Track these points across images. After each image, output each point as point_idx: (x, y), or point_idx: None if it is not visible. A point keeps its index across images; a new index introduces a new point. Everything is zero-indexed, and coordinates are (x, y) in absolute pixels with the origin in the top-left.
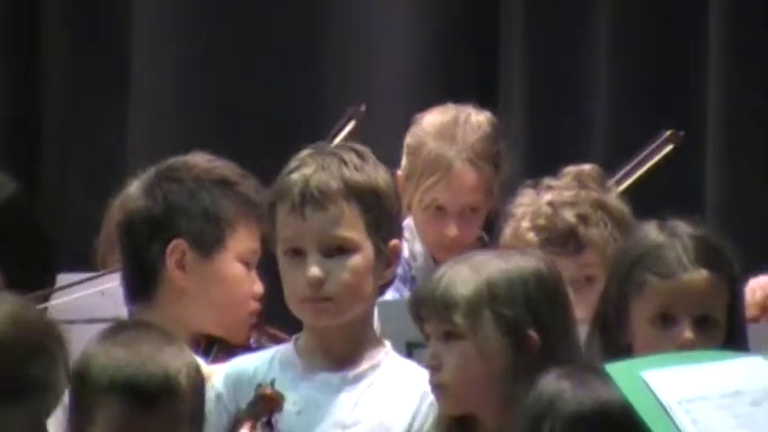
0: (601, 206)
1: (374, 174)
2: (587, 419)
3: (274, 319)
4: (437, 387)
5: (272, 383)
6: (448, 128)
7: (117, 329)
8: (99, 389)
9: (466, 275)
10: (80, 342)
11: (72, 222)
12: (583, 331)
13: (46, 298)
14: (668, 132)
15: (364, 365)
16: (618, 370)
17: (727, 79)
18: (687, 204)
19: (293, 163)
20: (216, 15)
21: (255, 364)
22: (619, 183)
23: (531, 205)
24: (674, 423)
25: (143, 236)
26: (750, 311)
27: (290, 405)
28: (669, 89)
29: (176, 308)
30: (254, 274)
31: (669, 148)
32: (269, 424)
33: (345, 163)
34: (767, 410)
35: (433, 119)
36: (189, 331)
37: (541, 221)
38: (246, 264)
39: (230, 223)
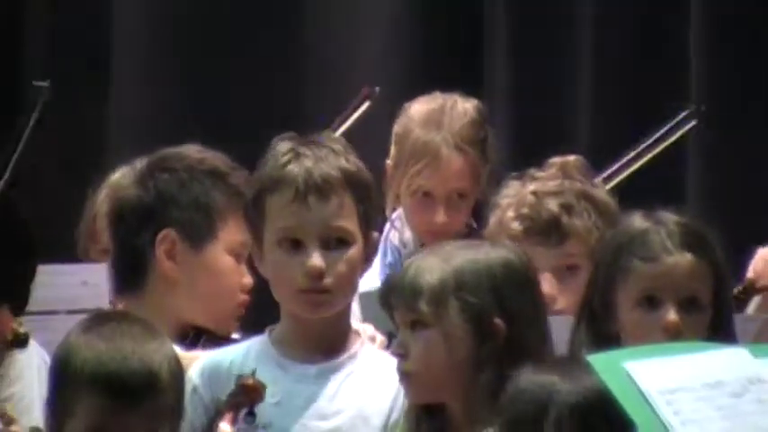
0: (585, 196)
1: (360, 164)
2: (591, 405)
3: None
4: (404, 375)
5: (254, 373)
6: (434, 115)
7: (98, 320)
8: (80, 382)
9: (433, 264)
10: (61, 333)
11: (51, 213)
12: (566, 321)
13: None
14: (691, 108)
15: (342, 356)
16: (600, 361)
17: (709, 69)
18: (670, 198)
19: (284, 155)
20: (198, 3)
21: (230, 356)
22: (638, 157)
23: (515, 195)
24: (656, 414)
25: (133, 225)
26: (766, 280)
27: (267, 396)
28: (653, 78)
29: (165, 298)
30: (243, 267)
31: (691, 124)
32: (251, 414)
33: (337, 153)
34: (749, 401)
35: (419, 107)
36: (177, 321)
37: (525, 210)
38: (236, 255)
39: (221, 215)
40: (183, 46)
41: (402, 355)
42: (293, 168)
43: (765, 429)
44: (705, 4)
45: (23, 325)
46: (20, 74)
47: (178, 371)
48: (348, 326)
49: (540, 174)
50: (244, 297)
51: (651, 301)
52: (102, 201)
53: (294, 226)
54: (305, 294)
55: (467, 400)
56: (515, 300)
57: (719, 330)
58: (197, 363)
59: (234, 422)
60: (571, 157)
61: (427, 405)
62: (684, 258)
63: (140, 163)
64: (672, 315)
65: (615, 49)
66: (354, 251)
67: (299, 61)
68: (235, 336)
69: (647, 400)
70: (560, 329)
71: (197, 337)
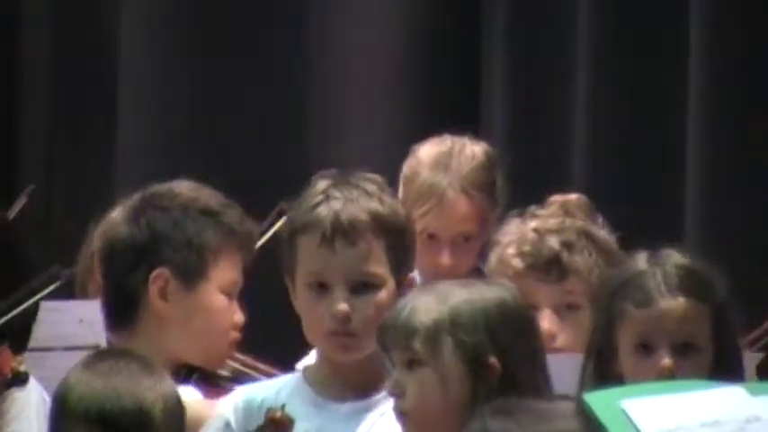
0: (586, 234)
1: (395, 205)
2: None
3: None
4: (400, 414)
5: (283, 407)
6: (442, 158)
7: (99, 358)
8: (75, 419)
9: (428, 303)
10: (57, 370)
11: (57, 248)
12: (571, 359)
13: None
14: None
15: (375, 396)
16: (597, 399)
17: (708, 96)
18: (667, 233)
19: (317, 196)
20: (202, 41)
21: (264, 393)
22: None
23: (516, 233)
24: None
25: (126, 263)
26: None
27: None
28: (649, 122)
29: (157, 336)
30: (235, 305)
31: None
32: None
33: (370, 195)
34: None
35: (428, 149)
36: (168, 359)
37: (526, 248)
38: (228, 294)
39: (214, 254)
40: (190, 84)
41: (398, 395)
42: (322, 211)
43: None
44: (703, 49)
45: (23, 363)
46: (23, 108)
47: (175, 409)
48: (382, 366)
49: (540, 211)
50: (235, 335)
51: (646, 347)
52: (95, 239)
53: (320, 270)
54: (332, 337)
55: None
56: (510, 339)
57: (722, 372)
58: (229, 398)
59: None
60: (573, 196)
61: None
62: (677, 302)
63: (132, 200)
64: (665, 360)
65: (614, 84)
66: (383, 294)
67: (300, 87)
68: (224, 372)
69: None
70: (565, 368)
71: (189, 373)
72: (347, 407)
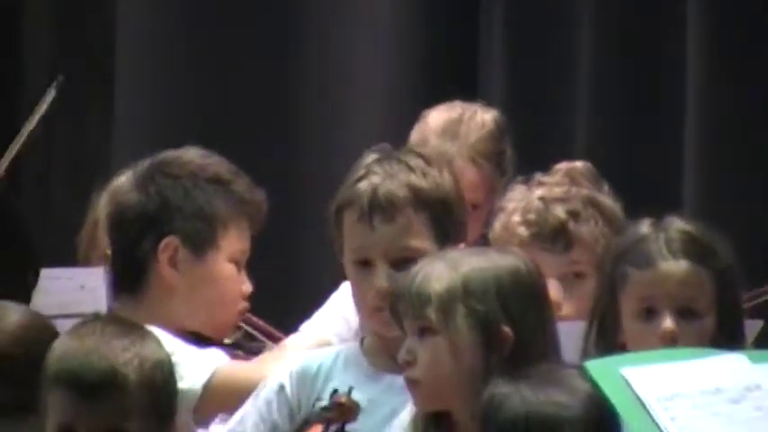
0: (592, 203)
1: (441, 179)
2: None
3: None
4: (411, 382)
5: (350, 392)
6: (451, 125)
7: (83, 323)
8: (50, 380)
9: (441, 271)
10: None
11: (55, 221)
12: (575, 327)
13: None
14: None
15: None
16: (598, 367)
17: (707, 80)
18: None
19: (360, 170)
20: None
21: (320, 360)
22: None
23: (521, 200)
24: (653, 420)
25: (135, 231)
26: None
27: None
28: (649, 104)
29: (163, 304)
30: (243, 274)
31: None
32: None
33: (413, 170)
34: (746, 409)
35: (438, 115)
36: (173, 327)
37: (532, 216)
38: (237, 263)
39: (223, 223)
40: (187, 60)
41: (409, 363)
42: (361, 186)
43: None
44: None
45: None
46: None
47: (154, 372)
48: None
49: (546, 179)
50: (244, 305)
51: (648, 312)
52: (103, 206)
53: (361, 246)
54: (376, 314)
55: (473, 409)
56: (523, 309)
57: (725, 338)
58: (286, 362)
59: None
60: (578, 163)
61: (434, 413)
62: (679, 266)
63: (141, 167)
64: (668, 323)
65: (614, 52)
66: None
67: (300, 63)
68: (227, 341)
69: (644, 407)
70: (570, 335)
71: (196, 342)
72: (401, 380)
